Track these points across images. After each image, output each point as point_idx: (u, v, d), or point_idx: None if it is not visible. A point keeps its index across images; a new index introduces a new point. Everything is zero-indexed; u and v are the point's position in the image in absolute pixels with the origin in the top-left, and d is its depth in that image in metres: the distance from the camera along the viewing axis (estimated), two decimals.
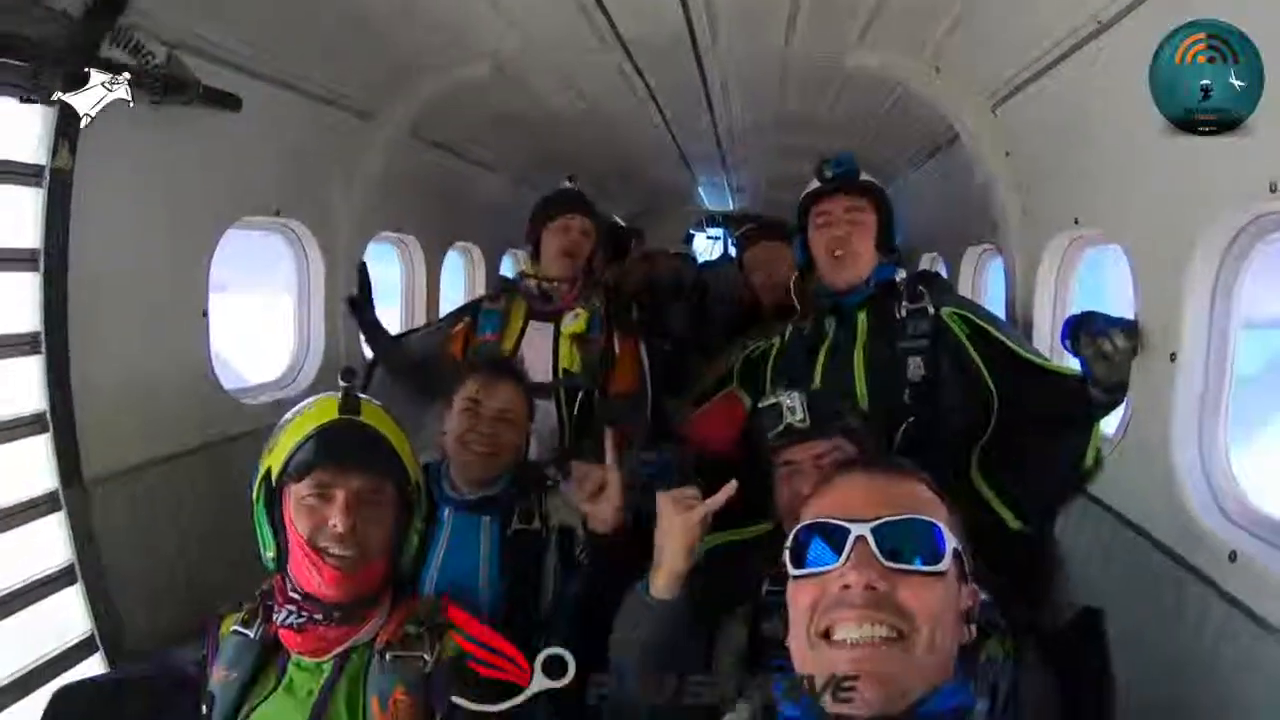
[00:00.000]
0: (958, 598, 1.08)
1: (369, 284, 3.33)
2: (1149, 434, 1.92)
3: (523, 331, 2.95)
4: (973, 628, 1.10)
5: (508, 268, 4.61)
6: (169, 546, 2.24)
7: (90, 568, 2.01)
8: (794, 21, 2.72)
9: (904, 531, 1.05)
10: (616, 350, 3.00)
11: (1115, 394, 2.04)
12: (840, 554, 1.06)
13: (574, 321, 2.92)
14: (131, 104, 1.86)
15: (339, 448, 1.54)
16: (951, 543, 1.07)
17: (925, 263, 4.64)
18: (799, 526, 1.14)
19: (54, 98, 1.80)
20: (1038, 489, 2.33)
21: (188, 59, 2.11)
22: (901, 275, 2.53)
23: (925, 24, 2.66)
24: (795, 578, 1.11)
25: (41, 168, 1.86)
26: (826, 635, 1.04)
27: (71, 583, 1.99)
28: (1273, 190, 1.46)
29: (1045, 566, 2.37)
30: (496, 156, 4.42)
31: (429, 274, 4.01)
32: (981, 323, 2.38)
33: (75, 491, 1.99)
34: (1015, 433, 2.34)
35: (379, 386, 3.28)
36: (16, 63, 1.70)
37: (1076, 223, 2.56)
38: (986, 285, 3.89)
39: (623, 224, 4.19)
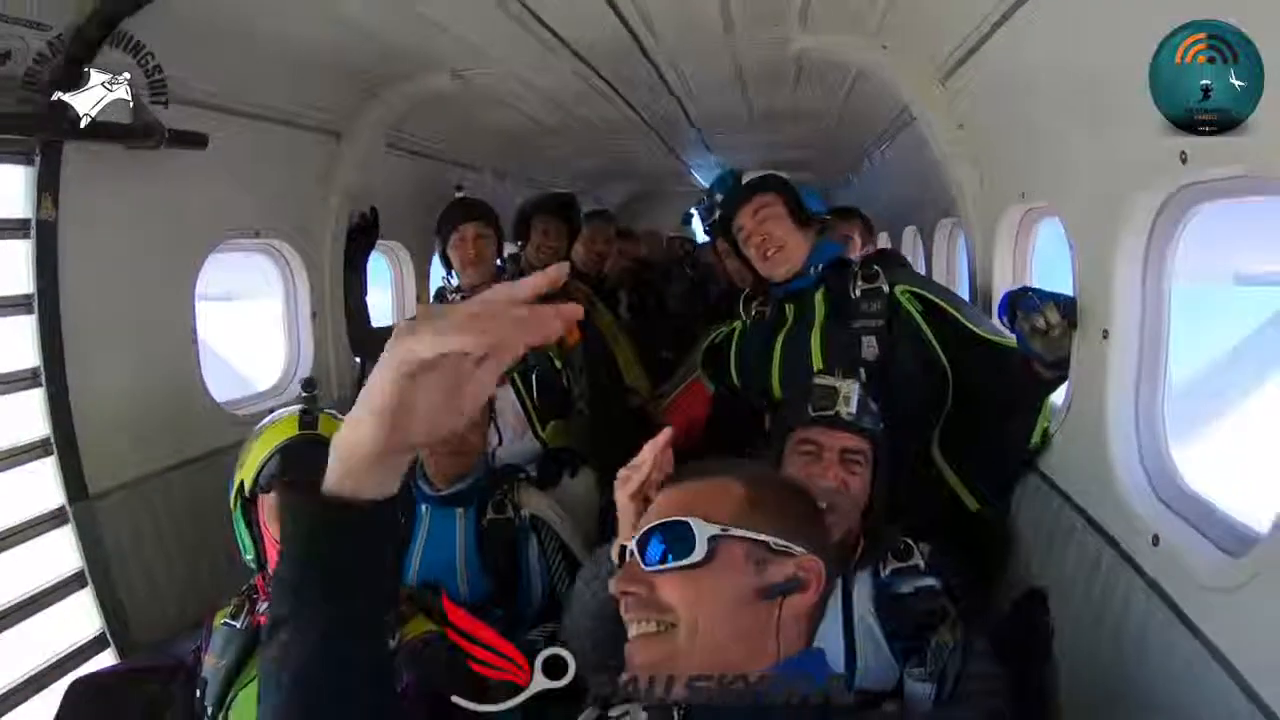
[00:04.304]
0: (739, 580, 1.13)
1: (372, 230, 3.50)
2: (1086, 412, 1.95)
3: None
4: (782, 599, 1.13)
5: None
6: (171, 549, 2.45)
7: (99, 573, 2.24)
8: (727, 7, 2.73)
9: (661, 536, 1.15)
10: None
11: (1059, 370, 2.08)
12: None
13: None
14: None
15: (301, 462, 1.72)
16: (709, 532, 1.13)
17: (908, 236, 4.71)
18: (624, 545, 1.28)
19: (34, 158, 2.03)
20: (990, 467, 2.40)
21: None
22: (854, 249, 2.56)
23: (863, 1, 2.66)
24: None
25: (28, 220, 2.07)
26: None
27: (82, 586, 2.22)
28: (1183, 161, 1.47)
29: (1000, 546, 2.44)
30: (476, 157, 4.56)
31: (418, 277, 4.16)
32: (935, 299, 2.44)
33: (81, 506, 2.21)
34: (970, 410, 2.41)
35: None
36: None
37: (1023, 196, 2.59)
38: (958, 258, 3.93)
39: (561, 191, 4.19)
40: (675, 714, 1.08)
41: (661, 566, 1.13)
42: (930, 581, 1.82)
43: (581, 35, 2.86)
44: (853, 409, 1.96)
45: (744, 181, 2.67)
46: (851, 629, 1.82)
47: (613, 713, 1.17)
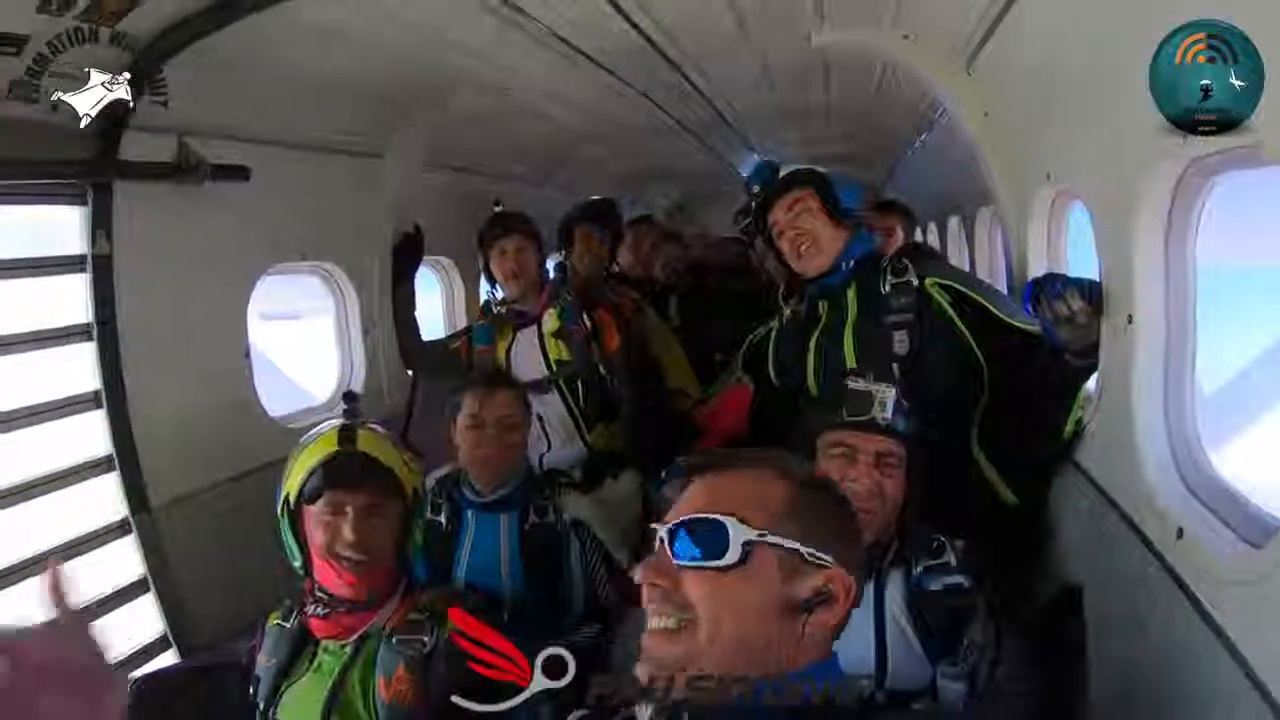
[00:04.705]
0: (767, 588, 1.10)
1: (418, 246, 3.61)
2: (1115, 400, 1.90)
3: (513, 340, 3.20)
4: (808, 616, 1.10)
5: None
6: (227, 556, 2.60)
7: (161, 579, 2.42)
8: (736, 7, 2.73)
9: (693, 530, 1.11)
10: (590, 325, 3.19)
11: (1089, 358, 2.04)
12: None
13: (549, 322, 3.15)
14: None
15: (341, 476, 1.83)
16: (745, 536, 1.09)
17: (953, 226, 4.63)
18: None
19: (87, 198, 2.22)
20: (1026, 459, 2.36)
21: (199, 140, 2.44)
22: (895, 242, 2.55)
23: None
24: None
25: (84, 256, 2.26)
26: None
27: (145, 591, 2.41)
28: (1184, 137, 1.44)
29: (1036, 540, 2.40)
30: (516, 168, 4.65)
31: (468, 291, 4.26)
32: (965, 290, 2.41)
33: (143, 517, 2.40)
34: (1005, 402, 2.37)
35: (421, 403, 3.61)
36: (55, 180, 2.13)
37: (1049, 178, 2.53)
38: (998, 245, 3.81)
39: (599, 197, 4.25)
40: (683, 715, 1.08)
41: (690, 563, 1.10)
42: (961, 579, 1.80)
43: (600, 45, 2.93)
44: (888, 414, 1.94)
45: (779, 175, 2.66)
46: (883, 629, 1.81)
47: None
